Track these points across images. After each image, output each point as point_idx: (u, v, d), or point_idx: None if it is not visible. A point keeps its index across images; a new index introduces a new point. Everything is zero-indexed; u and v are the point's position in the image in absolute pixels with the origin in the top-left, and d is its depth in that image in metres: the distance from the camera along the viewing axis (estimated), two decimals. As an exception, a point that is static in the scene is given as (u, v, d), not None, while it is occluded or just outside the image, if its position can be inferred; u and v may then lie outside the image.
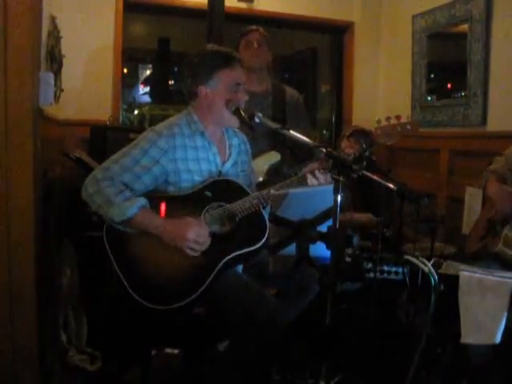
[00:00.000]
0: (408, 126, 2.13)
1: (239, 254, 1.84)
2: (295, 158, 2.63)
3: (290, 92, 2.80)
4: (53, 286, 2.50)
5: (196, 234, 1.79)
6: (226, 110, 1.94)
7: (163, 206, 1.85)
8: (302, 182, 1.98)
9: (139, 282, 1.81)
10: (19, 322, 1.93)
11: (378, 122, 2.23)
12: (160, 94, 5.85)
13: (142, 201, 1.81)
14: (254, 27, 2.74)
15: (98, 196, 1.79)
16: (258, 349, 1.74)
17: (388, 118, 2.17)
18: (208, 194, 1.89)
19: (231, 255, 1.83)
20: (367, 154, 2.19)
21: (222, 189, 1.93)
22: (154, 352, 2.29)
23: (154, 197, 1.87)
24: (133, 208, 1.77)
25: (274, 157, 2.47)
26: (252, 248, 1.85)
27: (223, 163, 2.02)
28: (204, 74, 1.94)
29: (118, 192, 1.80)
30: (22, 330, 1.93)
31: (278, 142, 2.44)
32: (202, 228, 1.82)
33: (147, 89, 6.32)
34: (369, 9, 4.32)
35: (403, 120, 2.14)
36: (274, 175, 2.26)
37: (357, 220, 2.74)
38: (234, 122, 1.97)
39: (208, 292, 1.79)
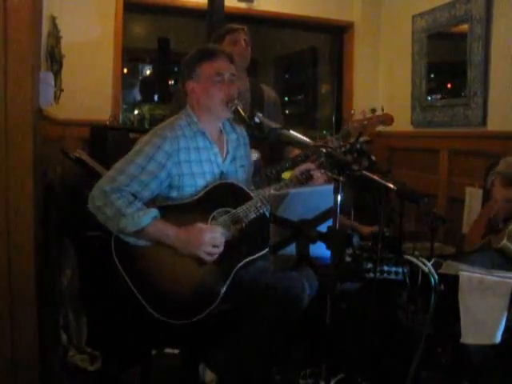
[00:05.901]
0: (381, 119, 2.27)
1: (250, 260, 1.84)
2: (273, 156, 2.63)
3: (268, 91, 2.79)
4: (53, 286, 2.50)
5: (211, 237, 1.78)
6: (214, 102, 1.93)
7: (170, 216, 1.82)
8: (302, 181, 1.98)
9: (155, 297, 1.76)
10: (19, 322, 1.93)
11: (353, 115, 2.34)
12: (149, 94, 5.92)
13: (155, 212, 1.79)
14: (239, 26, 2.69)
15: (108, 208, 1.75)
16: (273, 330, 1.79)
17: (363, 112, 2.28)
18: (209, 203, 1.88)
19: (243, 262, 1.82)
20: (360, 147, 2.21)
21: (224, 193, 1.90)
22: (154, 352, 2.29)
23: (159, 207, 1.84)
24: (146, 218, 1.75)
25: (253, 155, 2.47)
26: (262, 252, 1.84)
27: (223, 161, 2.00)
28: (189, 69, 1.97)
29: (128, 203, 1.76)
30: (22, 329, 1.93)
31: (258, 140, 2.43)
32: (216, 231, 1.81)
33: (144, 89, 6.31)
34: (369, 9, 4.33)
35: (378, 113, 2.26)
36: (254, 173, 2.26)
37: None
38: (226, 112, 1.94)
39: (226, 297, 1.79)
